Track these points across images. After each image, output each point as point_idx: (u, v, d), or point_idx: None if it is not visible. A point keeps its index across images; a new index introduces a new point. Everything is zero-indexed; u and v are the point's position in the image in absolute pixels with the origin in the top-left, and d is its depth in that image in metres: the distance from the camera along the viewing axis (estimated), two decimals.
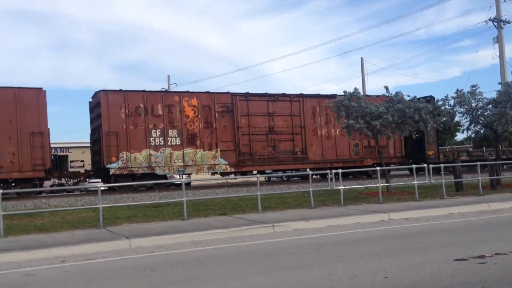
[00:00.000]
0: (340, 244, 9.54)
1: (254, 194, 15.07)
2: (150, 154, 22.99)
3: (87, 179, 24.67)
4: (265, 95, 25.96)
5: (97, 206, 12.45)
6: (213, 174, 24.95)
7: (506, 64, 37.12)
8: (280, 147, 25.49)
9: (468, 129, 22.85)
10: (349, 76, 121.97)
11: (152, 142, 23.11)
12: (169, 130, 23.48)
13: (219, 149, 24.38)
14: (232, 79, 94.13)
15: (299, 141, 26.06)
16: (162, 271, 7.64)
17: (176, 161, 23.38)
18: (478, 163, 19.09)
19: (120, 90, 23.21)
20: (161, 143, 23.25)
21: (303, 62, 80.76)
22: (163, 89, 23.81)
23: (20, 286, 7.05)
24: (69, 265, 8.44)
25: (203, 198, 18.32)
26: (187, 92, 24.71)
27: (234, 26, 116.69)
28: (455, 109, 21.81)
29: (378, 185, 16.54)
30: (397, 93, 19.76)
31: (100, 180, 24.67)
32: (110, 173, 22.35)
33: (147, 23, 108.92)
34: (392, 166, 26.34)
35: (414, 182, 16.87)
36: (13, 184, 20.74)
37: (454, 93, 21.80)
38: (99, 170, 23.72)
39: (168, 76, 50.55)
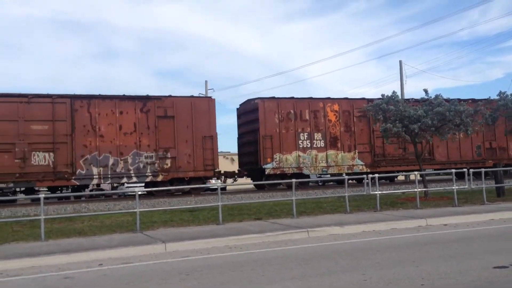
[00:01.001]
0: (375, 250, 9.40)
1: (289, 199, 15.04)
2: (298, 156, 25.12)
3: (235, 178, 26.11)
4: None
5: (135, 210, 12.68)
6: (348, 174, 25.96)
7: None
8: (409, 149, 26.17)
9: None
10: (387, 79, 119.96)
11: (300, 145, 25.27)
12: (314, 134, 25.59)
13: (357, 151, 26.28)
14: (270, 83, 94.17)
15: (425, 143, 27.03)
16: (197, 275, 7.71)
17: (320, 162, 25.38)
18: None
19: (273, 98, 25.49)
20: (307, 146, 25.35)
21: (341, 66, 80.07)
22: (307, 97, 26.25)
23: None
24: (106, 269, 8.63)
25: (238, 202, 18.40)
26: (329, 98, 26.47)
27: (273, 30, 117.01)
28: (497, 113, 21.24)
29: (416, 190, 16.22)
30: (436, 96, 19.36)
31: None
32: (266, 173, 24.47)
33: (187, 29, 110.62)
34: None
35: (453, 187, 16.46)
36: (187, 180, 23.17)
37: (497, 95, 21.24)
38: (253, 170, 25.61)
39: (206, 81, 51.01)
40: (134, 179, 22.46)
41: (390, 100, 19.23)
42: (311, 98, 25.87)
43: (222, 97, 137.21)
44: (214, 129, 23.91)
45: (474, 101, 25.04)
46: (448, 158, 27.61)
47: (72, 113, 21.67)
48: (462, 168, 18.47)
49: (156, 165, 22.61)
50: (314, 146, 25.16)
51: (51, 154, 21.07)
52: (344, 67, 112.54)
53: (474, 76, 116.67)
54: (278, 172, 24.56)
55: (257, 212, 15.63)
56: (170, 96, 23.56)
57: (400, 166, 26.49)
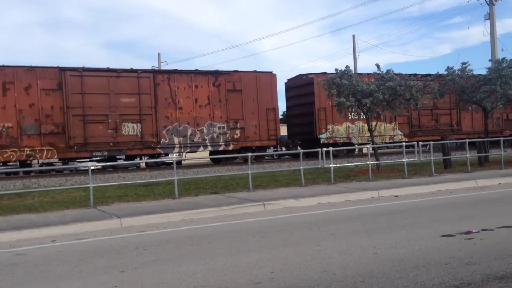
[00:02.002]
0: (330, 221, 9.64)
1: (245, 173, 15.12)
2: (348, 127, 27.66)
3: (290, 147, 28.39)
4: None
5: (88, 185, 12.43)
6: (390, 143, 29.16)
7: (496, 41, 37.18)
8: (440, 121, 30.27)
9: None
10: (341, 53, 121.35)
11: (349, 116, 27.24)
12: None
13: (397, 122, 28.89)
14: (226, 56, 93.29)
15: (454, 115, 30.71)
16: (154, 249, 7.69)
17: (366, 132, 26.00)
18: (467, 140, 19.28)
19: (325, 73, 25.74)
20: (355, 117, 27.17)
21: (296, 39, 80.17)
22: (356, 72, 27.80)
23: (11, 266, 7.07)
24: (59, 245, 8.46)
25: (194, 177, 18.33)
26: (374, 73, 27.01)
27: (229, 2, 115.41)
28: (445, 88, 21.91)
29: (368, 163, 16.65)
30: (388, 71, 19.76)
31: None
32: (321, 142, 26.23)
33: (139, 0, 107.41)
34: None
35: (403, 160, 17.00)
36: (254, 149, 25.18)
37: (445, 71, 21.87)
38: (307, 140, 27.45)
39: (159, 54, 50.17)
40: (210, 148, 24.95)
41: (343, 74, 19.47)
42: (358, 73, 26.52)
43: None
44: (276, 101, 26.27)
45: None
46: (473, 128, 30.98)
47: (155, 87, 23.47)
48: (483, 137, 21.77)
49: (228, 135, 24.94)
50: (361, 117, 25.52)
51: (139, 125, 23.08)
52: (299, 40, 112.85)
53: (423, 51, 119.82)
54: (331, 141, 26.67)
55: (213, 186, 15.65)
56: (237, 71, 25.45)
57: (433, 136, 28.51)
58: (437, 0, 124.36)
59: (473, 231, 7.79)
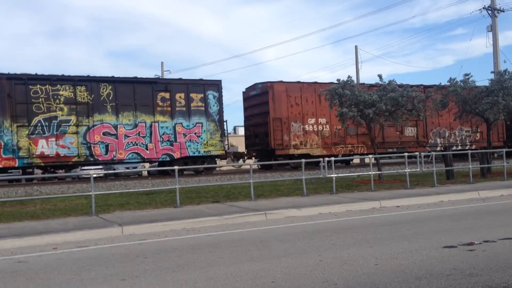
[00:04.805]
0: (331, 231, 9.62)
1: (247, 182, 15.11)
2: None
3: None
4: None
5: (90, 193, 12.44)
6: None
7: (499, 53, 37.22)
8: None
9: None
10: (343, 64, 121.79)
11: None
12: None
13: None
14: (227, 66, 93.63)
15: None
16: (155, 258, 7.68)
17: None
18: (469, 151, 19.26)
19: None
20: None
21: (298, 50, 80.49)
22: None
23: (12, 273, 7.06)
24: (61, 252, 8.46)
25: (196, 185, 18.34)
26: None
27: (231, 13, 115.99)
28: (447, 99, 21.93)
29: (370, 173, 16.63)
30: (390, 81, 19.80)
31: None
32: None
33: (142, 9, 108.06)
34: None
35: (405, 170, 16.98)
36: None
37: (447, 82, 21.90)
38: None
39: (162, 63, 50.36)
40: (460, 147, 29.71)
41: (345, 84, 19.52)
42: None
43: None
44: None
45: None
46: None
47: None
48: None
49: (471, 137, 30.51)
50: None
51: (414, 128, 29.12)
52: (300, 51, 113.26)
53: (426, 62, 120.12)
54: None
55: (215, 195, 15.64)
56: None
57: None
58: (439, 12, 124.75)
59: (475, 243, 7.76)
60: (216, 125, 24.40)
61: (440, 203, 13.43)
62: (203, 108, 24.12)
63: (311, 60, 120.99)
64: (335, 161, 17.22)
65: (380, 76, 20.08)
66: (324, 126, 26.68)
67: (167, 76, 46.04)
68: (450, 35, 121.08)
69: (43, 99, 21.19)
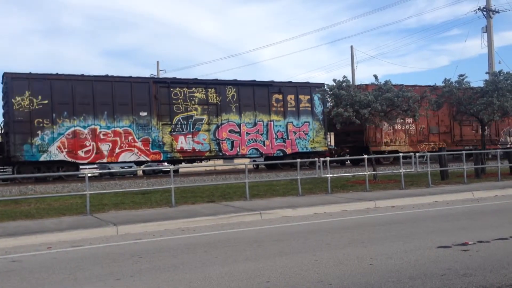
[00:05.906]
0: (327, 231, 9.63)
1: (242, 182, 15.12)
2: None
3: None
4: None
5: (84, 192, 12.41)
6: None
7: (494, 53, 37.44)
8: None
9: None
10: (339, 64, 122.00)
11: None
12: None
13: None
14: (223, 65, 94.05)
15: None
16: (150, 257, 7.66)
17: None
18: (464, 151, 19.33)
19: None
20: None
21: (294, 50, 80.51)
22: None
23: (6, 273, 7.04)
24: (55, 252, 8.44)
25: (191, 185, 18.32)
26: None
27: (227, 12, 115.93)
28: (442, 99, 22.02)
29: (365, 173, 16.66)
30: (386, 82, 19.85)
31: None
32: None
33: (138, 8, 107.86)
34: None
35: (400, 171, 17.02)
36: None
37: (442, 83, 21.99)
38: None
39: (158, 62, 50.33)
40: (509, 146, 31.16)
41: (341, 85, 19.55)
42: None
43: None
44: None
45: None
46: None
47: None
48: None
49: None
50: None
51: (487, 127, 28.52)
52: (296, 51, 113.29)
53: (421, 63, 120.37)
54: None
55: (210, 194, 15.63)
56: None
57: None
58: (434, 12, 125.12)
59: (469, 243, 7.79)
60: (320, 124, 26.60)
61: (434, 204, 13.47)
62: (309, 109, 26.40)
63: (306, 60, 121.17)
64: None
65: (375, 76, 20.14)
66: (410, 125, 28.37)
67: (162, 75, 45.98)
68: (446, 36, 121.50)
69: (181, 100, 23.79)
